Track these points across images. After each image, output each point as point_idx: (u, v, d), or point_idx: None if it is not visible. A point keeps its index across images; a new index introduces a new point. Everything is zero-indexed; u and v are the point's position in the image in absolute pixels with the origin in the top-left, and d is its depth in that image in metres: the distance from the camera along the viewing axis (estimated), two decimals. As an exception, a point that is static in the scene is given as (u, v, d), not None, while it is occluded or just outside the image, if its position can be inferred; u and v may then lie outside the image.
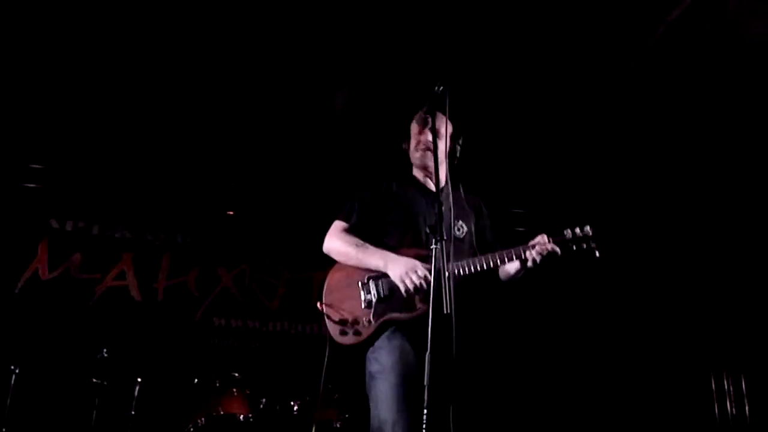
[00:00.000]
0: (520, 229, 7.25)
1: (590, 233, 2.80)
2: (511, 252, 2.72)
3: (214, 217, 6.79)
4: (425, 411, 2.02)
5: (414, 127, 3.04)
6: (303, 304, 6.65)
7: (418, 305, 2.62)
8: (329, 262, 2.88)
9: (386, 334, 2.63)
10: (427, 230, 2.61)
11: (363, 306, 2.68)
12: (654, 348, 6.40)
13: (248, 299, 6.71)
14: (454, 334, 2.13)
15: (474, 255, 2.79)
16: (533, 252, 2.70)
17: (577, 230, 2.78)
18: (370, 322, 2.65)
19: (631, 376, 6.40)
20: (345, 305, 2.71)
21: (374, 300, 2.67)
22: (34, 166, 6.34)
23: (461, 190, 3.00)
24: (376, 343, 2.64)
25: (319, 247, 2.92)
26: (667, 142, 5.52)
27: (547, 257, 2.72)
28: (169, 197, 6.66)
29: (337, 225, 2.92)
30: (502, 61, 4.64)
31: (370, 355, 2.65)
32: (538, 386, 6.61)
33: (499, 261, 2.71)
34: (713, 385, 6.25)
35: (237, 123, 5.63)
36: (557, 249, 2.72)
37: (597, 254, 2.77)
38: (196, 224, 6.77)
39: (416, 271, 2.60)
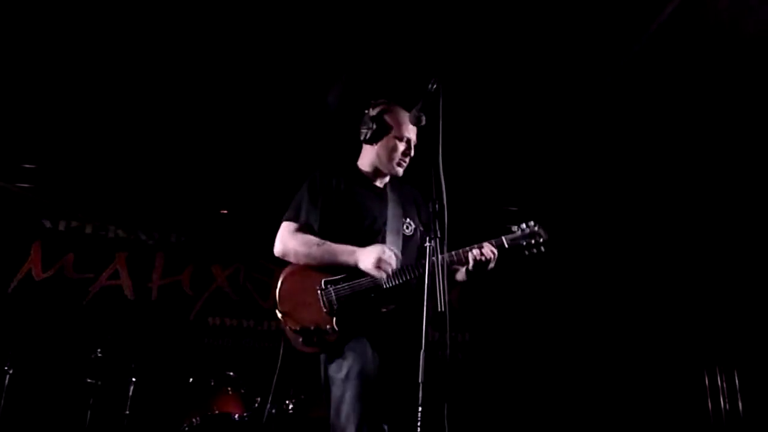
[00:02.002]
0: (513, 227, 7.28)
1: (537, 227, 2.82)
2: (452, 255, 2.67)
3: (207, 215, 6.78)
4: (420, 409, 2.01)
5: (406, 133, 2.92)
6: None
7: (383, 308, 2.59)
8: None
9: (350, 339, 2.57)
10: (384, 212, 2.65)
11: (325, 313, 2.59)
12: (647, 344, 6.42)
13: (243, 298, 6.70)
14: (448, 333, 2.13)
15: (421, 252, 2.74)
16: (471, 255, 2.67)
17: (524, 225, 2.80)
18: (334, 330, 2.56)
19: (624, 372, 6.42)
20: (304, 313, 2.61)
21: (336, 306, 2.59)
22: (27, 165, 6.32)
23: (403, 184, 2.98)
24: (341, 349, 2.57)
25: None
26: (660, 137, 5.53)
27: (485, 262, 2.69)
28: (162, 196, 6.65)
29: (288, 226, 2.80)
30: (496, 59, 4.64)
31: (333, 359, 2.59)
32: (531, 383, 6.63)
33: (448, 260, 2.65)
34: (707, 382, 6.27)
35: (230, 122, 5.62)
36: (496, 252, 2.70)
37: (543, 249, 2.79)
38: (189, 223, 6.76)
39: (385, 253, 2.55)
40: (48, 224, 6.41)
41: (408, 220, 2.86)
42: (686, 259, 6.45)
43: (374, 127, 2.91)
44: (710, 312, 6.25)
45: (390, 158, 2.90)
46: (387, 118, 2.95)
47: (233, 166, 6.38)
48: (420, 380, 2.03)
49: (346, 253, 2.64)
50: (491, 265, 2.71)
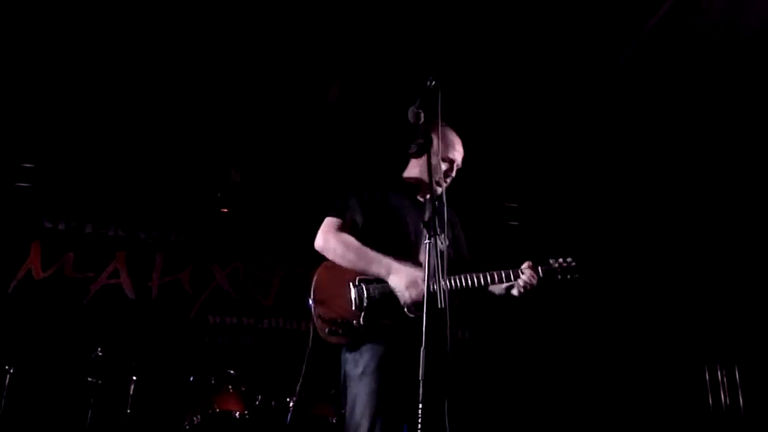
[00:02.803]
0: (514, 222, 7.29)
1: (573, 264, 2.87)
2: (501, 274, 2.78)
3: (207, 214, 6.78)
4: (420, 406, 2.02)
5: (453, 155, 2.99)
6: (298, 301, 6.65)
7: (410, 315, 2.60)
8: (323, 259, 2.82)
9: (372, 337, 2.61)
10: (421, 225, 2.63)
11: (354, 307, 2.63)
12: (648, 340, 6.43)
13: (243, 296, 6.71)
14: (448, 331, 2.13)
15: (453, 268, 2.79)
16: (520, 282, 2.78)
17: (561, 260, 2.87)
18: (360, 324, 2.61)
19: (625, 368, 6.43)
20: (335, 304, 2.66)
21: (366, 303, 2.63)
22: (26, 165, 6.32)
23: (444, 202, 3.01)
24: (360, 346, 2.61)
25: (312, 244, 2.86)
26: (657, 136, 5.53)
27: (532, 290, 2.81)
28: (162, 195, 6.65)
29: (332, 222, 2.81)
30: (495, 56, 4.64)
31: (350, 356, 2.62)
32: (533, 380, 6.64)
33: (489, 281, 2.77)
34: (707, 377, 6.27)
35: (230, 120, 5.61)
36: (540, 279, 2.82)
37: (576, 276, 2.88)
38: (189, 222, 6.76)
39: (418, 285, 2.57)
40: (48, 223, 6.41)
41: (443, 235, 2.87)
42: (687, 257, 6.45)
43: (423, 142, 2.88)
44: (711, 308, 6.25)
45: (433, 177, 2.78)
46: (436, 132, 2.92)
47: (233, 165, 6.38)
48: (420, 377, 2.03)
49: (381, 264, 2.67)
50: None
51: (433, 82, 2.41)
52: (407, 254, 2.74)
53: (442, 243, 2.80)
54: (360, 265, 2.69)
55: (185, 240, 6.74)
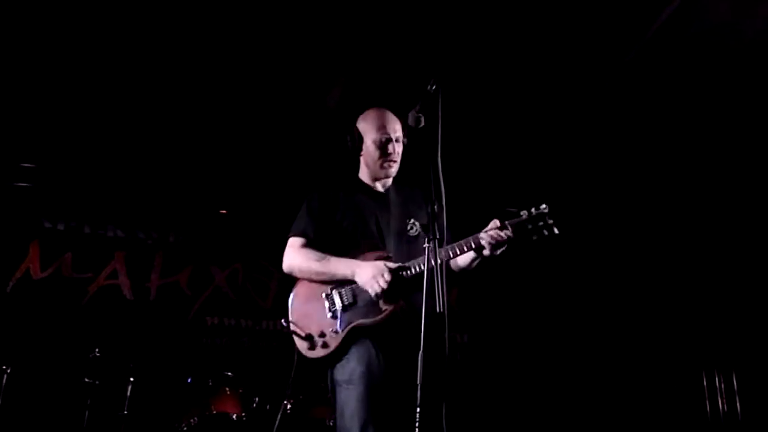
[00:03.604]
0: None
1: (546, 210, 2.65)
2: (462, 244, 2.60)
3: (206, 215, 6.78)
4: (418, 410, 2.01)
5: (380, 135, 2.88)
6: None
7: (384, 308, 2.59)
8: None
9: (354, 342, 2.60)
10: (383, 214, 2.69)
11: (329, 317, 2.65)
12: (646, 346, 6.42)
13: (241, 298, 6.70)
14: (446, 333, 2.12)
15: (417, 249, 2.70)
16: (485, 238, 2.57)
17: (533, 209, 2.66)
18: (336, 332, 2.61)
19: (623, 373, 6.42)
20: (310, 320, 2.68)
21: (339, 309, 2.64)
22: (26, 165, 6.31)
23: (406, 185, 2.99)
24: (345, 353, 2.60)
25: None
26: (660, 139, 5.54)
27: (501, 243, 2.59)
28: (161, 196, 6.65)
29: (294, 242, 2.85)
30: (496, 59, 4.64)
31: (336, 362, 2.61)
32: (530, 385, 6.64)
33: (451, 254, 2.61)
34: (705, 383, 6.27)
35: (229, 121, 5.62)
36: (510, 233, 2.58)
37: (556, 231, 2.63)
38: (188, 223, 6.76)
39: (383, 274, 2.55)
40: (47, 223, 6.41)
41: (412, 220, 2.86)
42: (685, 262, 6.45)
43: (353, 137, 2.94)
44: (709, 314, 6.26)
45: (375, 163, 2.90)
46: (360, 126, 2.96)
47: (233, 166, 6.38)
48: (418, 381, 2.02)
49: (344, 266, 2.68)
50: (503, 247, 2.63)
51: (434, 86, 2.40)
52: (375, 247, 2.74)
53: (412, 230, 2.81)
54: (325, 274, 2.71)
55: (184, 241, 6.74)
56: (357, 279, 2.63)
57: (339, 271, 2.69)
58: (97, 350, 4.98)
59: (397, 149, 2.92)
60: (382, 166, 2.89)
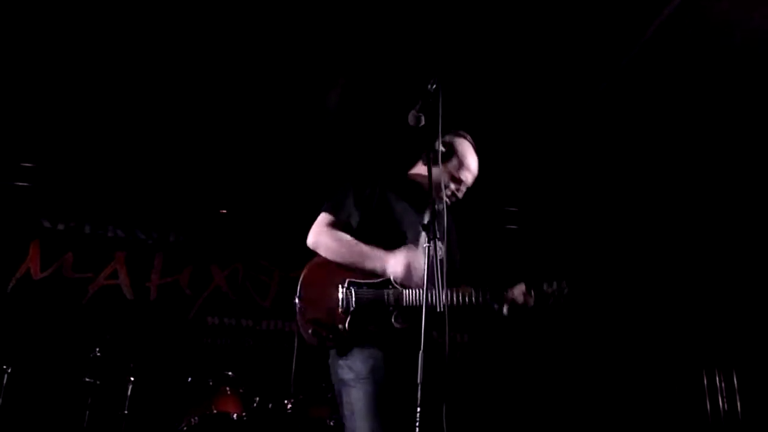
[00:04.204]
0: (512, 226, 7.29)
1: (566, 290, 2.73)
2: (487, 294, 2.66)
3: (206, 215, 6.78)
4: (418, 409, 2.01)
5: (465, 174, 2.93)
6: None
7: (396, 324, 2.55)
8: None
9: (358, 343, 2.55)
10: (420, 229, 2.53)
11: (340, 311, 2.54)
12: (647, 345, 6.42)
13: (241, 298, 6.70)
14: (447, 333, 2.12)
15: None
16: (509, 301, 2.67)
17: (555, 285, 2.73)
18: (345, 329, 2.53)
19: (623, 373, 6.42)
20: (321, 305, 2.58)
21: (353, 308, 2.54)
22: (26, 164, 6.32)
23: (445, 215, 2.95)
24: (349, 352, 2.55)
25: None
26: (659, 139, 5.53)
27: (523, 312, 2.69)
28: (161, 196, 6.66)
29: (325, 218, 2.72)
30: (496, 59, 4.64)
31: (342, 362, 2.56)
32: (532, 383, 6.63)
33: (474, 300, 2.65)
34: (705, 382, 6.28)
35: (229, 121, 5.61)
36: (532, 303, 2.69)
37: (564, 305, 2.75)
38: (188, 223, 6.76)
39: (416, 261, 2.52)
40: (47, 223, 6.41)
41: (441, 243, 2.78)
42: (685, 261, 6.45)
43: (443, 151, 2.80)
44: (709, 313, 6.26)
45: (442, 185, 2.74)
46: (457, 145, 2.96)
47: (233, 166, 6.38)
48: (419, 380, 2.02)
49: (376, 258, 2.60)
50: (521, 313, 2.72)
51: (434, 85, 2.40)
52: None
53: (440, 249, 2.76)
54: (356, 261, 2.61)
55: (184, 241, 6.74)
56: (389, 269, 2.57)
57: (370, 261, 2.60)
58: (97, 350, 4.99)
59: (461, 193, 2.97)
60: (441, 193, 2.74)
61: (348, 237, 2.67)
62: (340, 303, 2.55)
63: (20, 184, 6.35)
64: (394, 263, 2.57)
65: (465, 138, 3.06)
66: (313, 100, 5.22)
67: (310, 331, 2.56)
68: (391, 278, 2.58)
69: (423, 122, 2.48)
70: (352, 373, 2.52)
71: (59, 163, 6.33)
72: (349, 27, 4.35)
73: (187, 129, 5.75)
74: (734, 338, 6.08)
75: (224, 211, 6.81)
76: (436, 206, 2.30)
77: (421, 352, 2.05)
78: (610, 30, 4.27)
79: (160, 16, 4.29)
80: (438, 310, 2.12)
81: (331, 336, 2.56)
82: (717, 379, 6.22)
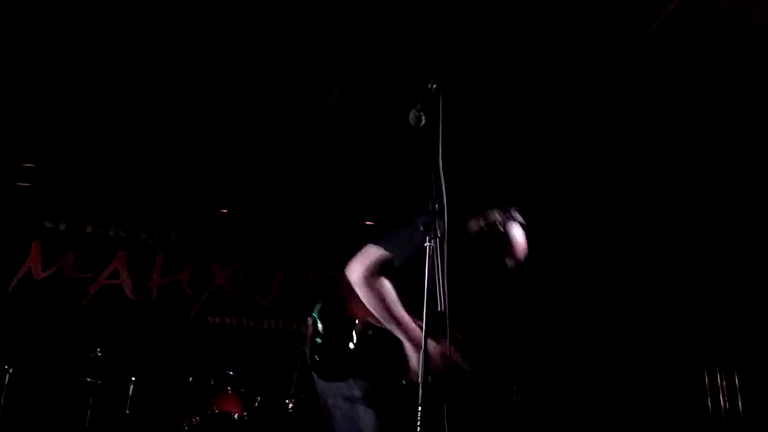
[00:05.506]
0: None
1: None
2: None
3: (207, 215, 6.78)
4: (420, 409, 2.01)
5: (502, 262, 2.88)
6: (297, 303, 6.65)
7: (402, 380, 2.53)
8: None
9: (357, 373, 2.55)
10: (421, 228, 2.48)
11: (350, 346, 2.56)
12: (647, 343, 6.42)
13: (242, 297, 6.70)
14: (448, 333, 2.12)
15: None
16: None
17: None
18: (347, 362, 2.55)
19: (624, 371, 6.42)
20: (334, 332, 2.60)
21: (361, 344, 2.56)
22: (27, 165, 6.32)
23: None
24: (348, 377, 2.55)
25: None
26: (659, 137, 5.53)
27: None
28: (162, 195, 6.65)
29: (378, 254, 2.53)
30: (497, 58, 4.64)
31: (341, 384, 2.57)
32: (531, 382, 6.63)
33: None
34: (706, 380, 6.27)
35: (230, 121, 5.62)
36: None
37: None
38: (189, 222, 6.76)
39: (450, 359, 2.42)
40: (48, 223, 6.41)
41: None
42: (686, 259, 6.44)
43: (500, 231, 2.90)
44: (710, 311, 6.25)
45: (481, 253, 2.79)
46: (513, 234, 2.98)
47: (234, 166, 6.38)
48: (419, 380, 2.02)
49: (410, 330, 2.50)
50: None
51: (435, 85, 2.40)
52: (419, 316, 2.48)
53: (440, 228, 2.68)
54: (388, 323, 2.52)
55: (186, 240, 6.74)
56: (413, 360, 2.49)
57: (402, 332, 2.51)
58: (98, 350, 4.99)
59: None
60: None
61: (393, 296, 2.52)
62: (352, 341, 2.56)
63: (22, 184, 6.34)
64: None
65: (522, 225, 3.05)
66: (314, 99, 5.22)
67: (316, 356, 2.60)
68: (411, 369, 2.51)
69: (423, 121, 2.48)
70: (359, 390, 2.53)
71: (60, 164, 6.33)
72: (349, 26, 4.35)
73: (188, 129, 5.75)
74: (736, 337, 6.07)
75: (225, 211, 6.81)
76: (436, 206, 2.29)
77: (422, 351, 2.05)
78: (610, 30, 4.27)
79: (161, 16, 4.29)
80: (439, 309, 2.12)
81: (332, 362, 2.58)
82: (718, 377, 6.20)
